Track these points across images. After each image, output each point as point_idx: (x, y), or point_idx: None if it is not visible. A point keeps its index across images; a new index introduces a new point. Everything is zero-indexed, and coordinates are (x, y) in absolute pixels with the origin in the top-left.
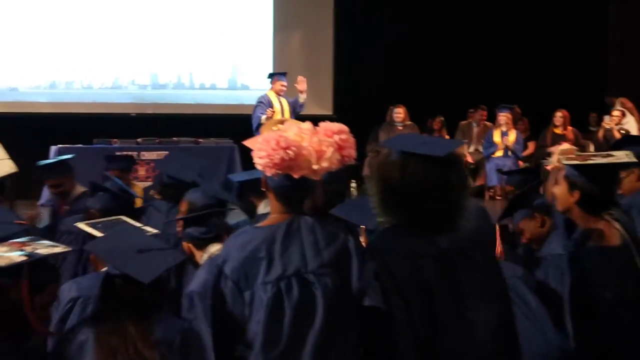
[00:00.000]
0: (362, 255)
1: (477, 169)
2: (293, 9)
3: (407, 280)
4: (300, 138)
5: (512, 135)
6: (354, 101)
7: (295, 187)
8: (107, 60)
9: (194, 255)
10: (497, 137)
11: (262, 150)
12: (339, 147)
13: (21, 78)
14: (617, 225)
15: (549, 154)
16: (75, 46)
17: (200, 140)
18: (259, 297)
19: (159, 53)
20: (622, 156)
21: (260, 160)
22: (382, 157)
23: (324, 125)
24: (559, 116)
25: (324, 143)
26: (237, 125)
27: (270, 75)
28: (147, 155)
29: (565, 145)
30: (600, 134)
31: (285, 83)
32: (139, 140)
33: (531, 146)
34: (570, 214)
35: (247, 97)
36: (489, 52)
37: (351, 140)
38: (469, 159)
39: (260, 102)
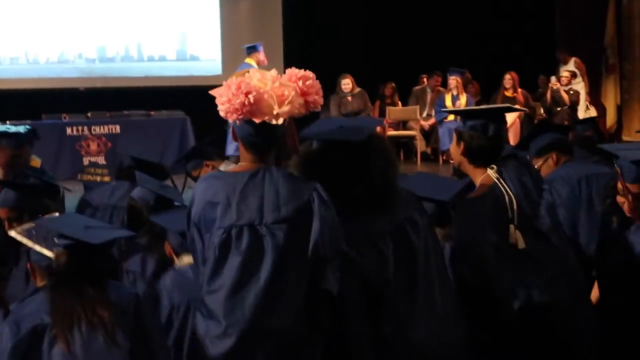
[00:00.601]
0: (325, 215)
1: (431, 133)
2: None
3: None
4: (262, 84)
5: (463, 99)
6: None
7: (260, 134)
8: (52, 33)
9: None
10: (448, 101)
11: (223, 95)
12: (303, 93)
13: None
14: (493, 175)
15: None
16: (19, 20)
17: (151, 113)
18: (212, 241)
19: (106, 25)
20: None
21: (222, 106)
22: (303, 148)
23: (289, 71)
24: (508, 78)
25: (286, 87)
26: (189, 96)
27: (251, 48)
28: (98, 129)
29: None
30: (548, 95)
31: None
32: (89, 114)
33: None
34: (462, 167)
35: (197, 68)
36: (439, 16)
37: (316, 86)
38: (423, 123)
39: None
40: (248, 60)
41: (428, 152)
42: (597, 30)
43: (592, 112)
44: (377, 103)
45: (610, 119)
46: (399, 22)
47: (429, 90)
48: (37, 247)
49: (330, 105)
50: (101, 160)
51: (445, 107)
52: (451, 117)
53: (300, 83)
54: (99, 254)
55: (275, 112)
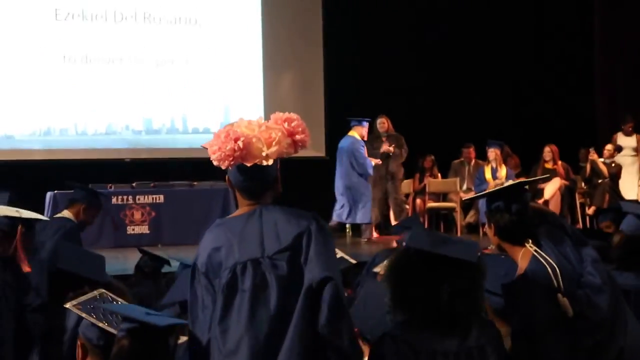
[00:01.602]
0: (322, 238)
1: (470, 205)
2: (283, 48)
3: None
4: (249, 130)
5: (503, 171)
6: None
7: (252, 178)
8: (100, 106)
9: None
10: (488, 173)
11: (214, 144)
12: (289, 133)
13: (16, 125)
14: (531, 249)
15: (541, 190)
16: (69, 93)
17: (194, 183)
18: (220, 283)
19: (152, 98)
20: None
21: (213, 155)
22: (400, 256)
23: (274, 115)
24: (547, 151)
25: (273, 130)
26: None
27: (357, 121)
28: (142, 199)
29: (556, 181)
30: (588, 167)
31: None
32: (133, 184)
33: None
34: (501, 248)
35: None
36: (479, 89)
37: (302, 125)
38: (463, 196)
39: (360, 145)
40: (351, 133)
41: (472, 223)
42: (638, 103)
43: None
44: (417, 175)
45: None
46: (440, 95)
47: (466, 162)
48: (100, 324)
49: (366, 147)
50: (145, 229)
51: (484, 179)
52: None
53: (285, 125)
54: (162, 339)
55: (264, 154)
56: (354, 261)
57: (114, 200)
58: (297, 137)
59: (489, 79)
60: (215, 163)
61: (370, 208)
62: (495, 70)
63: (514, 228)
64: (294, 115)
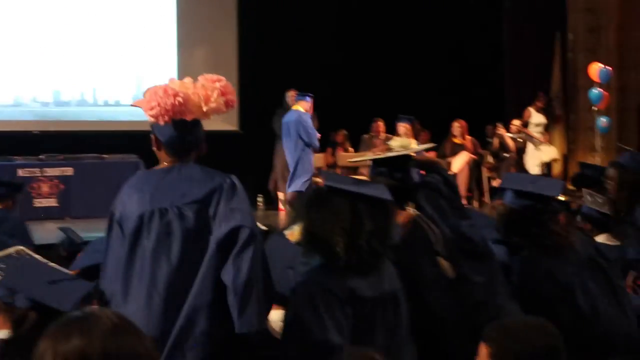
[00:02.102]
0: (235, 194)
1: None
2: (196, 25)
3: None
4: (185, 87)
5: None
6: (259, 117)
7: (185, 135)
8: (7, 77)
9: None
10: None
11: (153, 100)
12: (222, 93)
13: None
14: (412, 212)
15: (448, 163)
16: None
17: (104, 156)
18: (128, 230)
19: (61, 69)
20: (398, 149)
21: (152, 111)
22: (317, 193)
23: (202, 76)
24: (456, 126)
25: (209, 88)
26: (142, 141)
27: (301, 96)
28: (50, 171)
29: (464, 155)
30: (495, 141)
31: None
32: (41, 156)
33: (432, 155)
34: None
35: None
36: (390, 65)
37: (231, 87)
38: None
39: (308, 117)
40: (295, 107)
41: None
42: (544, 82)
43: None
44: (329, 149)
45: (557, 167)
46: (353, 70)
47: (375, 137)
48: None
49: (274, 118)
50: (53, 202)
51: None
52: None
53: (217, 84)
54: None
55: (204, 110)
56: (265, 228)
57: (20, 172)
58: (229, 96)
59: (401, 56)
60: (152, 119)
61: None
62: (407, 46)
63: (395, 192)
64: (222, 77)
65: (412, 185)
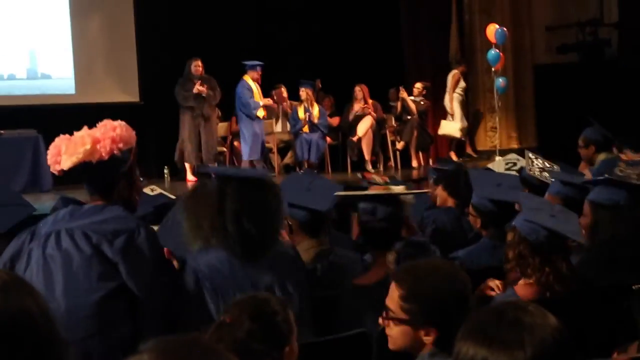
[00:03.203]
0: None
1: (287, 147)
2: None
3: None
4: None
5: (315, 110)
6: (161, 87)
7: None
8: None
9: None
10: (301, 113)
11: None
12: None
13: None
14: (391, 262)
15: (354, 128)
16: None
17: (1, 132)
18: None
19: None
20: (398, 190)
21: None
22: (196, 184)
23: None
24: (358, 90)
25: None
26: (41, 115)
27: (248, 66)
28: None
29: (368, 119)
30: (399, 105)
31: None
32: None
33: (335, 120)
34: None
35: (48, 87)
36: (290, 29)
37: (126, 136)
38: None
39: (244, 87)
40: (245, 77)
41: (290, 164)
42: (442, 44)
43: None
44: (234, 118)
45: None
46: (255, 36)
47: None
48: None
49: (176, 88)
50: None
51: (298, 118)
52: (305, 129)
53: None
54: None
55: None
56: (173, 197)
57: None
58: (99, 144)
59: (301, 20)
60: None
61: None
62: (306, 11)
63: (376, 233)
64: (105, 123)
65: (395, 230)
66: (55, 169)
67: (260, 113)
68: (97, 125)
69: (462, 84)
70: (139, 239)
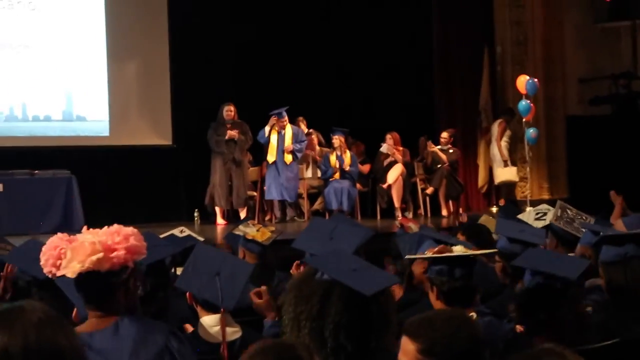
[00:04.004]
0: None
1: (318, 193)
2: (126, 38)
3: None
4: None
5: (347, 157)
6: (193, 130)
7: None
8: None
9: None
10: (332, 160)
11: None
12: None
13: None
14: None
15: (385, 175)
16: None
17: (35, 172)
18: None
19: None
20: (459, 250)
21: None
22: (304, 273)
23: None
24: (388, 138)
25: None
26: (75, 157)
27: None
28: None
29: (398, 167)
30: (428, 157)
31: (281, 119)
32: None
33: (366, 168)
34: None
35: (83, 129)
36: (324, 76)
37: (123, 242)
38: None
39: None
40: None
41: (320, 210)
42: (474, 95)
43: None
44: (265, 163)
45: (482, 178)
46: (289, 83)
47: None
48: None
49: (208, 133)
50: None
51: (330, 165)
52: (336, 175)
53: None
54: None
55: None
56: (202, 239)
57: None
58: (114, 254)
59: (333, 69)
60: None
61: None
62: (338, 60)
63: (456, 293)
64: (117, 229)
65: (473, 287)
66: (50, 271)
67: (288, 159)
68: (105, 230)
69: (508, 132)
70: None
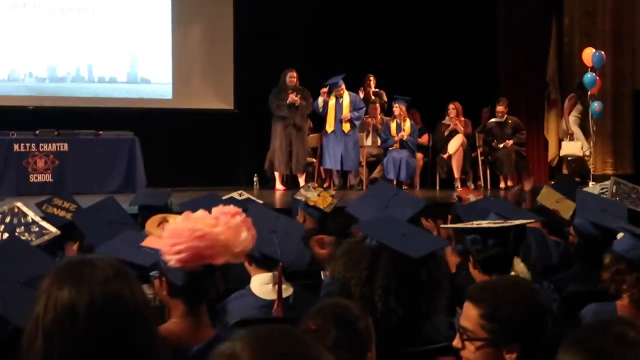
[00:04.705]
0: None
1: (377, 161)
2: (191, 2)
3: None
4: (208, 226)
5: (407, 125)
6: (255, 96)
7: (199, 281)
8: (2, 52)
9: None
10: (393, 129)
11: (177, 244)
12: (248, 228)
13: None
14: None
15: (445, 145)
16: None
17: (99, 132)
18: None
19: (57, 45)
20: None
21: (177, 256)
22: (352, 242)
23: (217, 210)
24: (451, 108)
25: (234, 226)
26: (138, 118)
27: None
28: (45, 147)
29: (459, 137)
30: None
31: (337, 88)
32: (37, 132)
33: (425, 139)
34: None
35: (147, 91)
36: (384, 45)
37: (249, 219)
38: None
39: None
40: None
41: (378, 179)
42: (540, 66)
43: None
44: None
45: (552, 152)
46: (354, 51)
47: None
48: None
49: (270, 97)
50: (48, 177)
51: (390, 134)
52: (396, 145)
53: (238, 218)
54: None
55: (236, 251)
56: (261, 202)
57: (16, 147)
58: (252, 231)
59: (394, 36)
60: (174, 264)
61: None
62: (400, 26)
63: (491, 261)
64: (237, 209)
65: (509, 255)
66: (215, 257)
67: (346, 127)
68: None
69: (579, 107)
70: None
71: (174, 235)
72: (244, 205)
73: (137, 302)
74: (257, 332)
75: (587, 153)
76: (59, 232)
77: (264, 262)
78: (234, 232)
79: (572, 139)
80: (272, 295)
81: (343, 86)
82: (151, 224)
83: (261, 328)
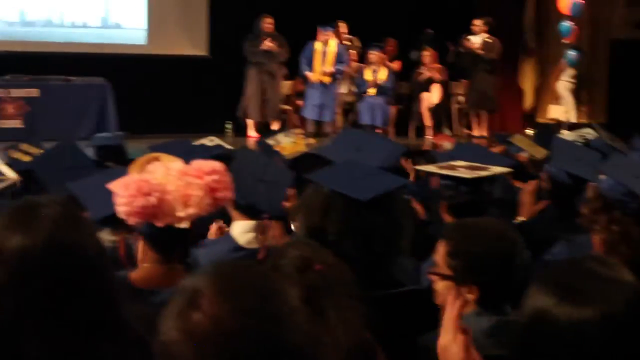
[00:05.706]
0: None
1: (351, 109)
2: None
3: None
4: (165, 181)
5: (383, 73)
6: (230, 42)
7: (165, 234)
8: None
9: None
10: (368, 75)
11: (122, 196)
12: (211, 190)
13: None
14: None
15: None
16: None
17: (71, 78)
18: None
19: None
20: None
21: (120, 208)
22: (310, 190)
23: (197, 164)
24: (426, 55)
25: (192, 186)
26: (110, 64)
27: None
28: (16, 92)
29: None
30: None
31: (326, 32)
32: (7, 77)
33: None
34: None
35: (119, 36)
36: None
37: (226, 180)
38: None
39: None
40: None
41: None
42: (516, 13)
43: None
44: (298, 78)
45: (528, 101)
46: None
47: None
48: None
49: (245, 43)
50: (18, 123)
51: (364, 81)
52: (371, 91)
53: (208, 178)
54: None
55: (180, 215)
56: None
57: None
58: (220, 194)
59: None
60: (121, 215)
61: None
62: None
63: (466, 207)
64: (218, 167)
65: (481, 202)
66: (158, 217)
67: (327, 79)
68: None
69: (571, 71)
70: None
71: (123, 187)
72: (214, 150)
73: (87, 247)
74: (221, 268)
75: (573, 120)
76: (17, 178)
77: (249, 210)
78: (184, 196)
79: (558, 103)
80: (253, 244)
81: (330, 32)
82: (137, 163)
83: (225, 264)
